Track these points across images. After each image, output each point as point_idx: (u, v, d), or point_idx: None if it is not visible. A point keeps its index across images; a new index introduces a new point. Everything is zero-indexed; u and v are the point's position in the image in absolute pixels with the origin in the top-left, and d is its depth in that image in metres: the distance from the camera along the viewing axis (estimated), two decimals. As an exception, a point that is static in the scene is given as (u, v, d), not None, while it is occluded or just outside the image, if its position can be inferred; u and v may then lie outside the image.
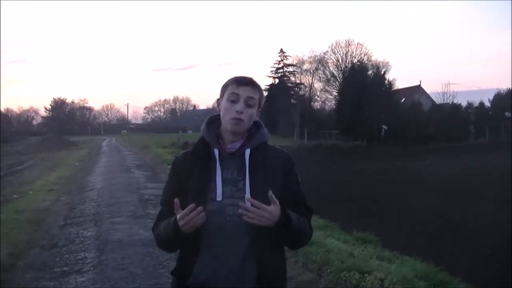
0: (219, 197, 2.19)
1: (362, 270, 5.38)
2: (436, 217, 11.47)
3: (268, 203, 2.10)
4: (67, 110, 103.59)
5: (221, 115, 2.30)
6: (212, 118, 2.40)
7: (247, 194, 2.15)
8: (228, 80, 2.31)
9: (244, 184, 2.20)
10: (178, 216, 2.11)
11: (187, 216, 2.08)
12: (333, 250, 6.35)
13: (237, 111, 2.22)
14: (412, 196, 14.75)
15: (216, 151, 2.27)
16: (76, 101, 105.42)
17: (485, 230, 9.92)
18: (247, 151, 2.25)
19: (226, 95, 2.28)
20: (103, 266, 6.39)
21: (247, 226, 2.12)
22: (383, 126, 44.46)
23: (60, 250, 7.28)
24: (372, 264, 5.77)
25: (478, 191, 15.28)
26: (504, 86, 77.55)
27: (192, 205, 2.08)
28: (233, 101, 2.24)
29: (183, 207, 2.14)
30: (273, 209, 2.09)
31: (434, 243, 9.03)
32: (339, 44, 56.21)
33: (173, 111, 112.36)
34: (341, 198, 14.45)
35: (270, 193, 2.09)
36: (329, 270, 5.63)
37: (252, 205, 2.07)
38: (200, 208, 2.09)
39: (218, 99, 2.35)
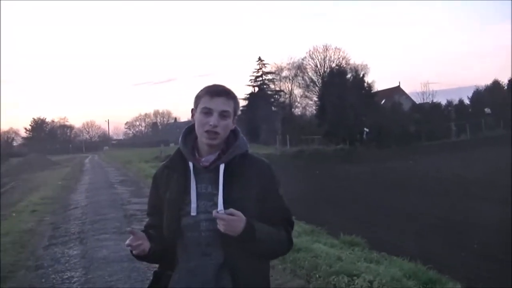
0: (193, 212, 2.17)
1: (350, 273, 5.39)
2: (422, 216, 11.52)
3: None
4: (47, 129, 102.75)
5: (195, 127, 2.26)
6: (190, 128, 2.35)
7: (220, 209, 2.11)
8: (201, 91, 2.26)
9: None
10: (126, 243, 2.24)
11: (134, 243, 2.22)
12: (321, 255, 6.36)
13: (211, 125, 2.18)
14: (397, 196, 14.84)
15: (191, 165, 2.24)
16: (56, 120, 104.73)
17: (473, 227, 9.98)
18: (222, 166, 2.21)
19: (199, 108, 2.23)
20: (90, 284, 6.33)
21: (222, 240, 2.11)
22: (365, 129, 44.64)
23: (46, 270, 7.19)
24: (360, 267, 5.79)
25: (463, 188, 15.39)
26: (482, 83, 78.17)
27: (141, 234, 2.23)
28: (207, 113, 2.20)
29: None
30: (237, 218, 2.07)
31: (422, 242, 9.05)
32: (317, 50, 56.38)
33: (154, 125, 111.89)
34: (325, 203, 14.44)
35: (230, 210, 2.07)
36: (317, 275, 5.63)
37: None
38: (141, 235, 2.23)
39: (192, 110, 2.29)
